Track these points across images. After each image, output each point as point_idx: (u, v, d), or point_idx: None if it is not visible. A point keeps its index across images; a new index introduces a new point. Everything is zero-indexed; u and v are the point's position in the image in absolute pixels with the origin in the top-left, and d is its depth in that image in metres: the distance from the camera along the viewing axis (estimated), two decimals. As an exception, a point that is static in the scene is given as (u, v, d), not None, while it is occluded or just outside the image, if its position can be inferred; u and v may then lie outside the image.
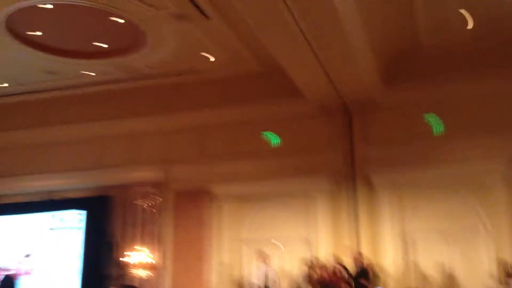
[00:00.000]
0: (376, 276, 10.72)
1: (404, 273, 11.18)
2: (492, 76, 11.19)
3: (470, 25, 10.65)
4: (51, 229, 13.96)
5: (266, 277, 11.23)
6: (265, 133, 12.69)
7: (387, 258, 11.28)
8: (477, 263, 10.85)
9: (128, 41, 11.79)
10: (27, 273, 13.47)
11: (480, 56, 11.42)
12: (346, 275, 10.40)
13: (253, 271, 11.67)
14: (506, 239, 10.69)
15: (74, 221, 13.80)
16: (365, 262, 10.65)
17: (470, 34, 11.16)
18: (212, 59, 12.22)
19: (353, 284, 10.23)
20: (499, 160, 10.96)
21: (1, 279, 11.35)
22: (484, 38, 11.23)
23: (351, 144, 11.99)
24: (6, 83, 13.72)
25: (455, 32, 11.24)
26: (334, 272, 10.42)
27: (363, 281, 10.25)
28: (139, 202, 13.19)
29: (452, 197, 11.25)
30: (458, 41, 11.45)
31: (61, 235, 13.85)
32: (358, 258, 10.55)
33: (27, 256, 12.30)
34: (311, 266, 10.96)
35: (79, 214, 13.78)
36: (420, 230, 11.34)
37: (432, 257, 11.10)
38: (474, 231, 11.05)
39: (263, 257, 11.44)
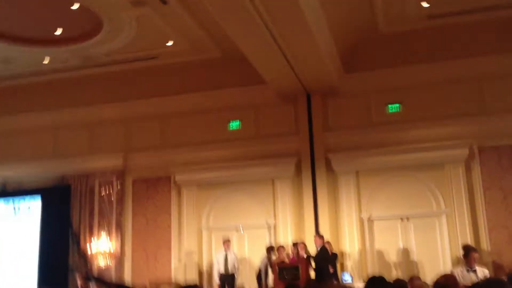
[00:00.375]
0: (339, 261, 10.92)
1: (364, 257, 11.42)
2: (450, 60, 11.45)
3: (425, 4, 10.81)
4: (8, 218, 13.62)
5: (228, 262, 11.29)
6: (226, 119, 12.68)
7: (348, 242, 11.49)
8: (434, 246, 11.16)
9: (84, 28, 11.52)
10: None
11: (437, 41, 11.66)
12: (307, 258, 10.51)
13: (215, 257, 11.70)
14: (463, 222, 10.99)
15: (31, 210, 13.51)
16: (330, 246, 10.79)
17: (426, 18, 11.38)
18: (170, 44, 12.05)
19: (314, 266, 10.34)
20: (459, 145, 11.21)
21: None
22: (440, 20, 11.44)
23: (311, 130, 12.09)
24: (-42, 71, 13.23)
25: (412, 19, 11.46)
26: (295, 256, 10.52)
27: (330, 267, 10.39)
28: (97, 190, 13.00)
29: (411, 182, 11.51)
30: (415, 28, 11.67)
31: (18, 224, 13.54)
32: (321, 241, 10.64)
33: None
34: (270, 250, 11.05)
35: (36, 203, 13.50)
36: (379, 214, 11.58)
37: (391, 241, 11.37)
38: (432, 215, 11.35)
39: (225, 243, 11.48)
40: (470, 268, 7.25)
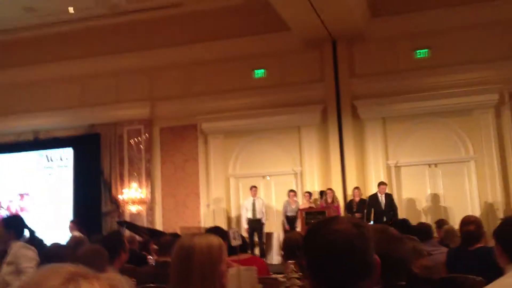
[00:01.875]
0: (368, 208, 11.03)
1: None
2: (479, 3, 11.09)
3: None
4: (40, 168, 14.02)
5: (255, 208, 11.50)
6: (250, 67, 12.63)
7: (375, 189, 11.53)
8: (462, 192, 11.14)
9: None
10: (20, 211, 13.68)
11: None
12: (336, 204, 10.64)
13: (243, 204, 11.92)
14: (492, 169, 10.92)
15: (63, 159, 13.87)
16: (358, 195, 10.89)
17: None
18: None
19: (344, 212, 10.48)
20: (488, 90, 11.00)
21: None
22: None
23: (337, 77, 11.96)
24: (-16, 22, 13.34)
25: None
26: (324, 202, 10.67)
27: (357, 214, 10.52)
28: (126, 139, 13.24)
29: (439, 128, 11.40)
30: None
31: (51, 173, 13.94)
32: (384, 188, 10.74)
33: (21, 195, 12.41)
34: (292, 195, 11.21)
35: (67, 152, 13.84)
36: (407, 160, 11.56)
37: (419, 187, 11.39)
38: (460, 161, 11.28)
39: (252, 190, 11.67)
40: None
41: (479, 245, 3.98)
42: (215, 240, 2.44)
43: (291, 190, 11.52)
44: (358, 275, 1.54)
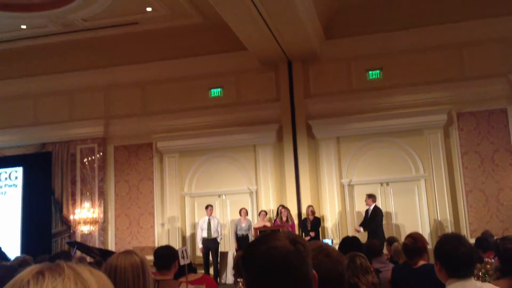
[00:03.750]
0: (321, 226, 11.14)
1: (345, 221, 11.63)
2: (430, 26, 11.47)
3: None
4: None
5: (211, 227, 11.43)
6: (207, 86, 12.66)
7: (328, 206, 11.68)
8: (413, 210, 11.39)
9: (62, -9, 11.31)
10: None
11: (418, 7, 11.61)
12: (290, 222, 10.71)
13: (198, 223, 11.84)
14: (441, 187, 11.22)
15: (12, 178, 13.49)
16: (312, 212, 10.99)
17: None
18: (149, 9, 11.89)
19: (298, 230, 10.55)
20: (438, 111, 11.34)
21: None
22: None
23: (292, 96, 12.13)
24: None
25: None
26: (279, 220, 10.72)
27: (312, 233, 10.61)
28: (79, 157, 12.99)
29: (391, 147, 11.67)
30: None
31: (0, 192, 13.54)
32: (370, 201, 10.84)
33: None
34: (244, 213, 11.26)
35: (17, 171, 13.47)
36: (360, 179, 11.76)
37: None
38: (411, 180, 11.55)
39: (208, 209, 11.61)
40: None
41: (422, 262, 4.06)
42: (137, 258, 2.59)
43: (243, 208, 11.53)
44: None
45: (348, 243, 5.14)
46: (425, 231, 10.74)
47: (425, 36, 11.54)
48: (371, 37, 11.81)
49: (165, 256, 4.10)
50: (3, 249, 8.49)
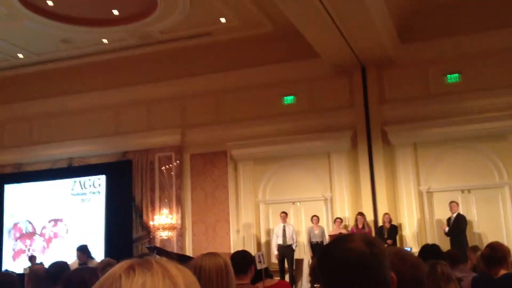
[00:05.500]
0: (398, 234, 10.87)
1: (423, 229, 11.28)
2: (510, 27, 10.97)
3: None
4: (74, 195, 14.29)
5: (286, 234, 11.44)
6: (280, 94, 12.73)
7: (406, 214, 11.38)
8: (497, 218, 10.88)
9: (140, 6, 11.77)
10: (52, 237, 13.93)
11: (495, 8, 11.16)
12: (367, 229, 10.54)
13: (273, 229, 11.88)
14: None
15: (95, 186, 14.12)
16: (388, 220, 10.76)
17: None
18: (223, 20, 12.13)
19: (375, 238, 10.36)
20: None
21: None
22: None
23: (367, 102, 11.95)
24: (21, 54, 13.84)
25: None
26: (354, 227, 10.58)
27: (389, 241, 10.38)
28: (157, 165, 13.42)
29: (472, 153, 11.23)
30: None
31: (84, 200, 14.18)
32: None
33: (54, 220, 12.67)
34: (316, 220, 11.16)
35: (100, 179, 14.09)
36: (439, 186, 11.38)
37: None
38: (494, 187, 11.05)
39: (282, 216, 11.63)
40: None
41: (503, 272, 3.88)
42: (220, 260, 2.66)
43: (314, 216, 11.45)
44: None
45: (428, 251, 4.98)
46: (510, 241, 10.19)
47: (506, 37, 11.03)
48: (449, 40, 11.45)
49: (242, 260, 4.14)
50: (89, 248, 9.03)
